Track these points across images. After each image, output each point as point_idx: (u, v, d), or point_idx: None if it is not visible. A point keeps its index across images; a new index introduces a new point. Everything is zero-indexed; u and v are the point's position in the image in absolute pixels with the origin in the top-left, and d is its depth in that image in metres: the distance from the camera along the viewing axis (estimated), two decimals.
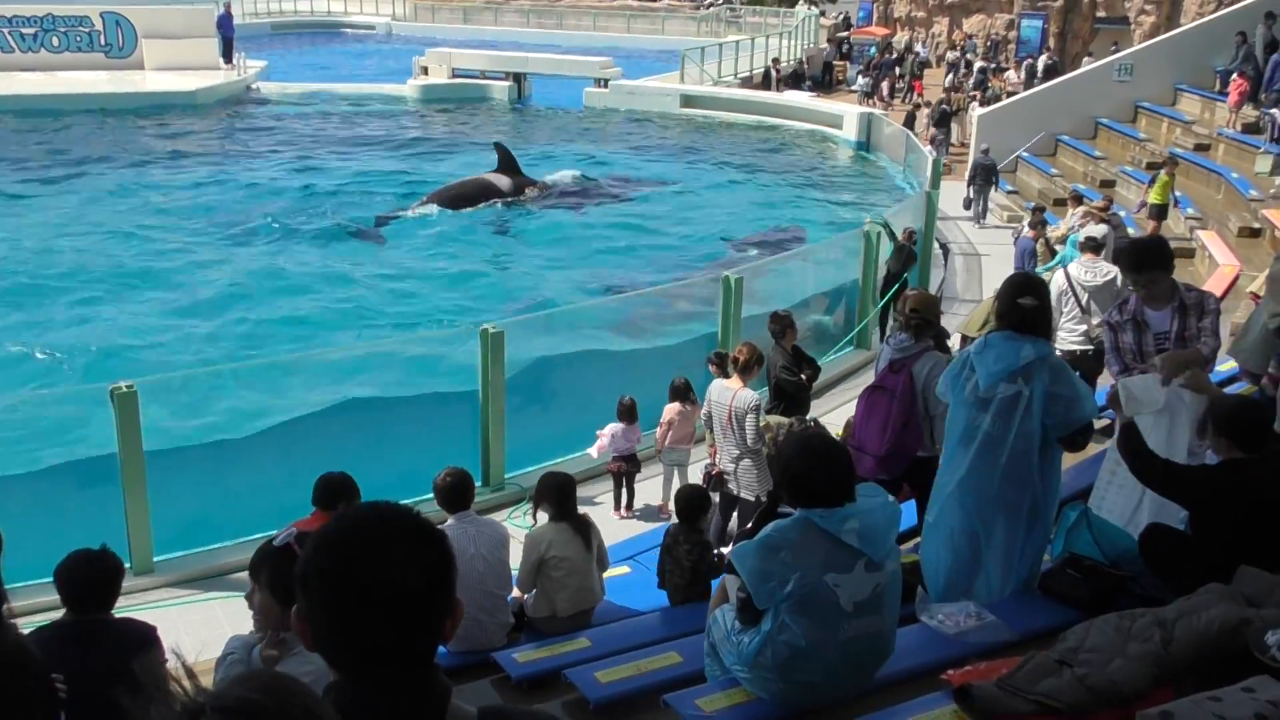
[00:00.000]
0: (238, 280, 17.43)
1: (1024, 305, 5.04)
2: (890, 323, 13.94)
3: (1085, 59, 34.98)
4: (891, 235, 15.36)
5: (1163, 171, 18.32)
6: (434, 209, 21.45)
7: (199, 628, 7.52)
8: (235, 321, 15.72)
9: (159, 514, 8.75)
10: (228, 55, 36.78)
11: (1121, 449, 5.04)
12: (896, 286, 14.28)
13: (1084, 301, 9.57)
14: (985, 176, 21.76)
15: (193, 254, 18.89)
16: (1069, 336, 9.56)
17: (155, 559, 8.75)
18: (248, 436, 11.07)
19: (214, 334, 15.20)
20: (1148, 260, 6.06)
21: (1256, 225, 17.11)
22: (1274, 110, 19.79)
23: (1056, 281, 9.79)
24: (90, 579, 4.56)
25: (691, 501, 6.65)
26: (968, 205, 21.79)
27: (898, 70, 37.76)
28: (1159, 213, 17.90)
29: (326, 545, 1.78)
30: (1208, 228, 17.60)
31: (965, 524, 5.11)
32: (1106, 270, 9.74)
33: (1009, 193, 22.94)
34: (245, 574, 4.52)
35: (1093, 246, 10.15)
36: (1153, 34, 32.98)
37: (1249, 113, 21.08)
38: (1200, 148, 21.36)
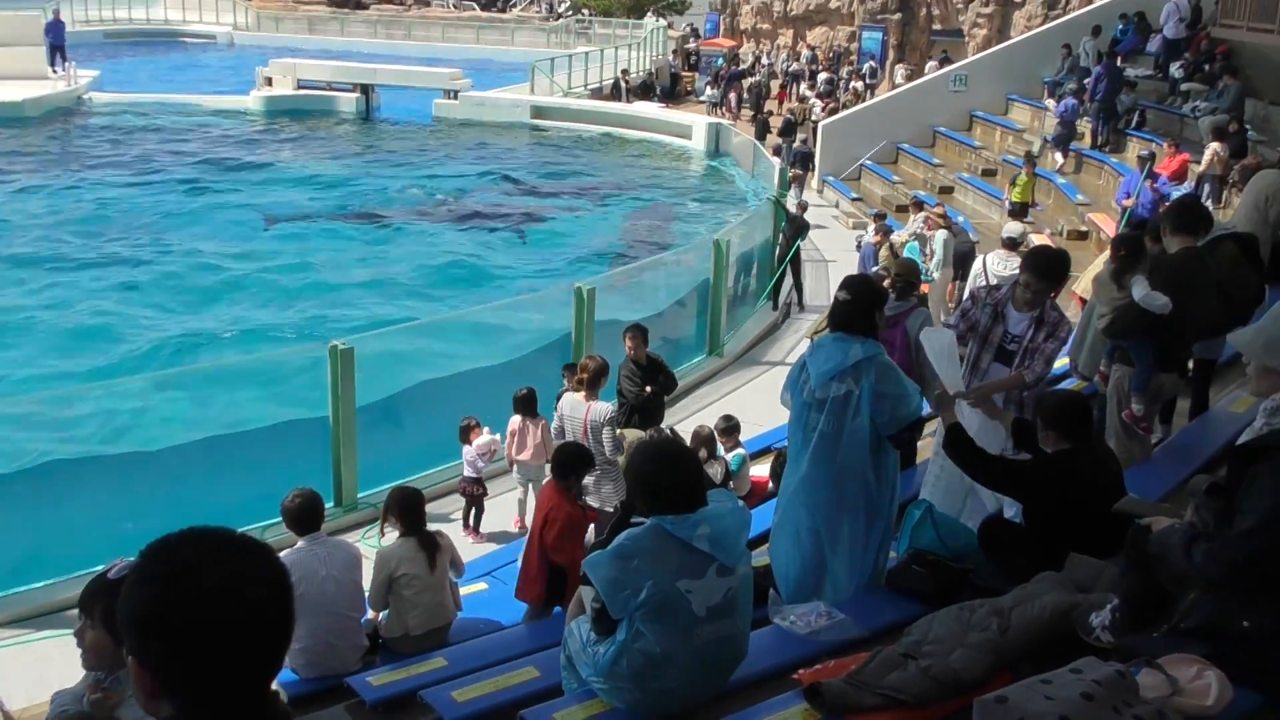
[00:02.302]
0: (71, 298, 16.71)
1: (837, 298, 5.21)
2: (787, 289, 16.97)
3: (898, 67, 36.33)
4: (784, 209, 17.30)
5: (1022, 172, 19.04)
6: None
7: (31, 669, 7.16)
8: (67, 341, 15.08)
9: None
10: (56, 63, 35.13)
11: (952, 455, 5.21)
12: (791, 254, 16.78)
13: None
14: (803, 164, 24.36)
15: (14, 271, 18.04)
16: None
17: None
18: (78, 462, 10.57)
19: (41, 355, 14.55)
20: (1058, 273, 6.25)
21: (1084, 228, 17.98)
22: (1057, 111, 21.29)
23: (974, 268, 11.23)
24: None
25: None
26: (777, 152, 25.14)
27: (746, 82, 38.43)
28: (1020, 210, 18.64)
29: (164, 578, 1.68)
30: (1041, 231, 18.38)
31: (809, 523, 5.23)
32: (1018, 263, 10.39)
33: (853, 200, 23.58)
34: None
35: (1009, 243, 11.40)
36: (985, 46, 34.31)
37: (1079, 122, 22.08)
38: (1030, 157, 22.24)
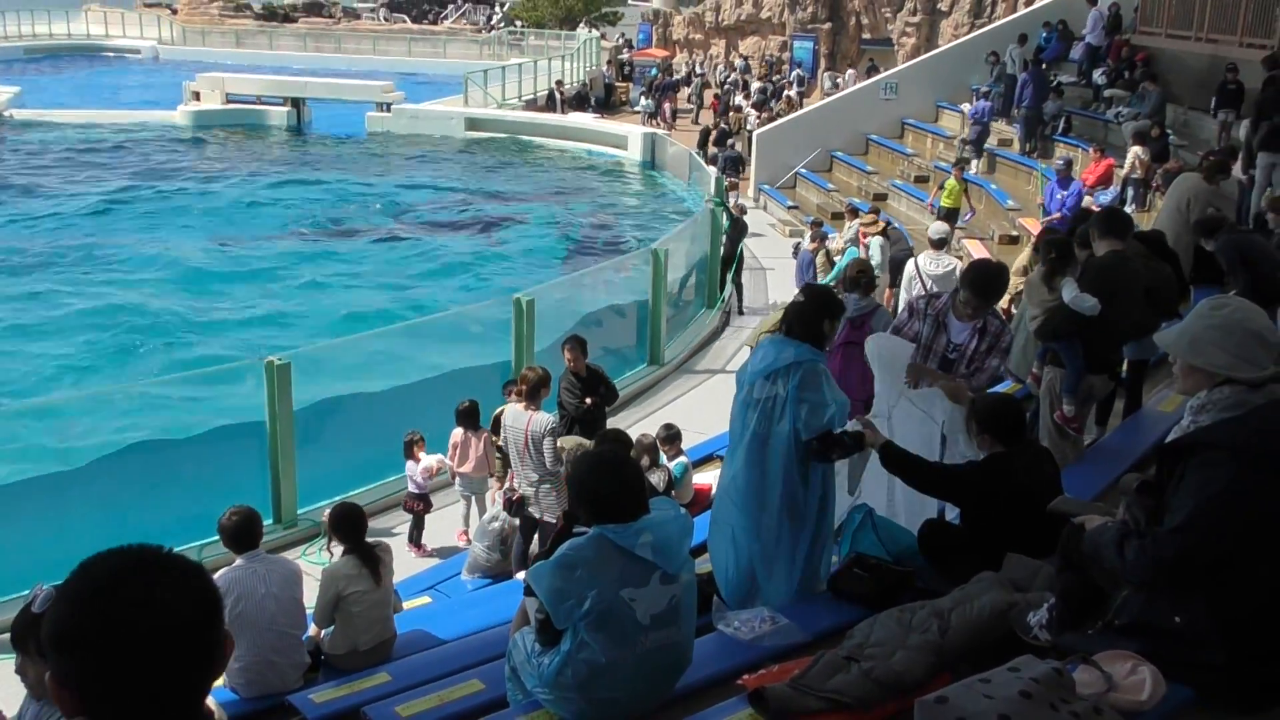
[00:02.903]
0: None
1: (793, 300, 5.30)
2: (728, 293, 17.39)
3: (825, 75, 36.79)
4: (727, 210, 17.93)
5: (951, 177, 19.31)
6: None
7: None
8: None
9: None
10: None
11: (888, 467, 5.26)
12: (738, 256, 17.72)
13: (929, 287, 10.52)
14: (735, 169, 25.18)
15: None
16: None
17: None
18: (4, 486, 10.33)
19: None
20: (995, 291, 6.32)
21: (1015, 233, 18.28)
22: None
23: (907, 270, 11.59)
24: None
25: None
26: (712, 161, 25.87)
27: (683, 91, 38.63)
28: (950, 215, 18.87)
29: (88, 595, 1.67)
30: (972, 236, 18.67)
31: (741, 522, 5.27)
32: (948, 262, 11.40)
33: (789, 208, 23.77)
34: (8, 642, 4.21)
35: (937, 243, 11.86)
36: (914, 55, 34.82)
37: (1004, 128, 22.51)
38: (962, 162, 22.62)
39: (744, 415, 5.25)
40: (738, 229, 17.94)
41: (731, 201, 19.51)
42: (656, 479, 8.95)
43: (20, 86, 36.94)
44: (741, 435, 5.24)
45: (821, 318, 5.28)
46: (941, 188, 19.42)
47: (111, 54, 54.33)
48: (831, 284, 12.96)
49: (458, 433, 9.58)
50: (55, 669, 1.67)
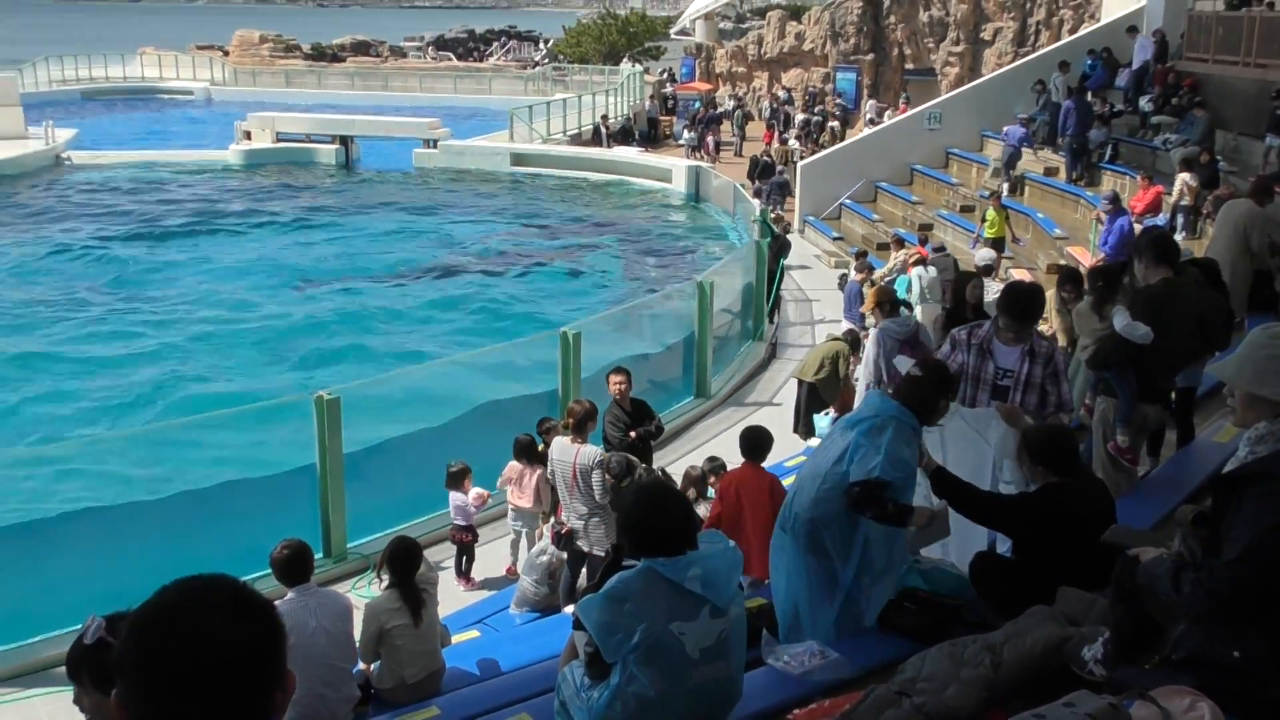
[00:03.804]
0: (53, 352, 16.70)
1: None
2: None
3: (869, 103, 36.70)
4: (769, 225, 18.36)
5: (989, 208, 19.23)
6: None
7: None
8: (50, 397, 15.04)
9: None
10: None
11: (941, 493, 5.22)
12: (780, 272, 18.02)
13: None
14: (781, 193, 25.86)
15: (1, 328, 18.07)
16: None
17: None
18: (61, 519, 10.49)
19: (28, 409, 14.51)
20: (1033, 312, 6.28)
21: (1063, 262, 18.11)
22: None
23: None
24: None
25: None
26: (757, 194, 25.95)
27: (727, 124, 38.76)
28: (996, 245, 18.78)
29: (141, 623, 1.72)
30: (1020, 265, 18.54)
31: (795, 555, 5.24)
32: (996, 289, 11.24)
33: (834, 239, 23.74)
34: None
35: (984, 270, 12.21)
36: (958, 84, 34.75)
37: (1051, 156, 22.39)
38: (995, 196, 22.50)
39: (821, 453, 5.26)
40: (779, 244, 18.14)
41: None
42: (704, 511, 8.92)
43: (78, 129, 37.76)
44: (812, 470, 5.24)
45: (938, 395, 5.23)
46: (984, 219, 19.33)
47: (165, 96, 55.41)
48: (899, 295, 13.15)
49: (514, 466, 9.59)
50: (118, 690, 1.73)
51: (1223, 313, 7.13)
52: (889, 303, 11.02)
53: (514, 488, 9.57)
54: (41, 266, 22.51)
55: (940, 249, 16.63)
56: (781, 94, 42.49)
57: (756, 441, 7.86)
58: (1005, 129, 22.84)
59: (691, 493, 9.01)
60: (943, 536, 5.28)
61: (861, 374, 12.34)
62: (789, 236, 19.09)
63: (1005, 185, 21.86)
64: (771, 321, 17.75)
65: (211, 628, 1.71)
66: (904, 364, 6.21)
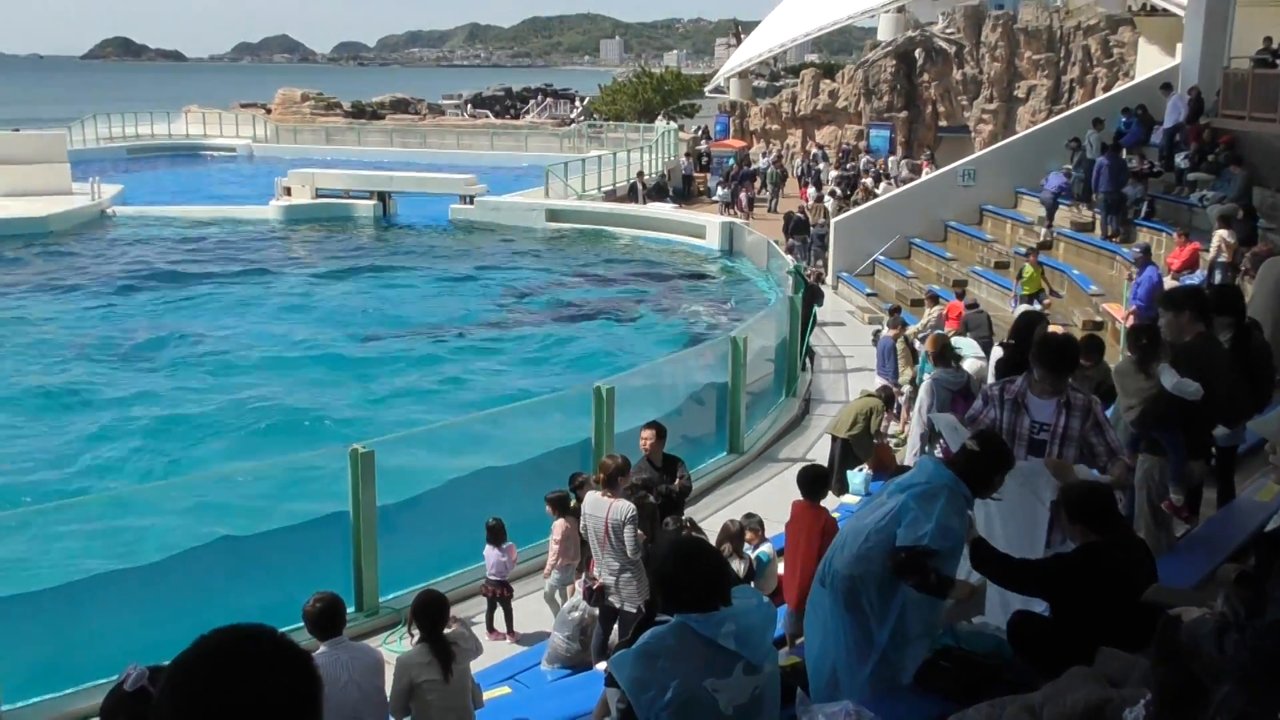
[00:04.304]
0: (93, 401, 16.94)
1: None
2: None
3: (903, 162, 36.78)
4: (801, 276, 18.88)
5: (1026, 264, 19.19)
6: None
7: None
8: (89, 443, 15.24)
9: (5, 659, 8.27)
10: None
11: (978, 567, 5.16)
12: (812, 324, 18.58)
13: None
14: (821, 245, 26.79)
15: (49, 380, 18.34)
16: None
17: (3, 708, 8.24)
18: (95, 575, 10.55)
19: (64, 462, 14.70)
20: (1067, 364, 6.21)
21: (1099, 319, 18.02)
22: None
23: (995, 354, 11.33)
24: None
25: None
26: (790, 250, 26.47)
27: (760, 181, 38.98)
28: (1034, 301, 18.72)
29: (181, 671, 1.74)
30: (1055, 322, 18.41)
31: (834, 612, 5.18)
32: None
33: (868, 295, 23.73)
34: None
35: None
36: (991, 141, 34.85)
37: (1084, 213, 22.35)
38: (1042, 246, 22.46)
39: (867, 512, 5.23)
40: (811, 294, 18.57)
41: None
42: (738, 567, 8.88)
43: (123, 184, 38.54)
44: (855, 528, 5.19)
45: (993, 471, 5.19)
46: (1020, 276, 19.29)
47: (209, 153, 56.55)
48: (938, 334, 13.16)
49: (559, 524, 9.50)
50: None
51: (1266, 366, 7.08)
52: (944, 353, 11.04)
53: (561, 547, 9.53)
54: (84, 317, 22.91)
55: (974, 305, 16.57)
56: (814, 151, 42.73)
57: (814, 480, 7.98)
58: (1044, 179, 22.85)
59: (727, 548, 8.96)
60: (977, 613, 5.25)
61: (914, 424, 12.30)
62: (821, 286, 19.35)
63: (1045, 234, 21.85)
64: (805, 370, 17.92)
65: (251, 677, 1.72)
66: (941, 420, 6.18)
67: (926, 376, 12.23)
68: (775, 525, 10.31)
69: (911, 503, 4.97)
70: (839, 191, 32.94)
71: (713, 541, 8.54)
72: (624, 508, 8.32)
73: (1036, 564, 5.23)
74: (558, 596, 9.62)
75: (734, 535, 9.22)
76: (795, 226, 28.50)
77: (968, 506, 5.10)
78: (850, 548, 5.11)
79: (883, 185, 33.60)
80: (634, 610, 8.28)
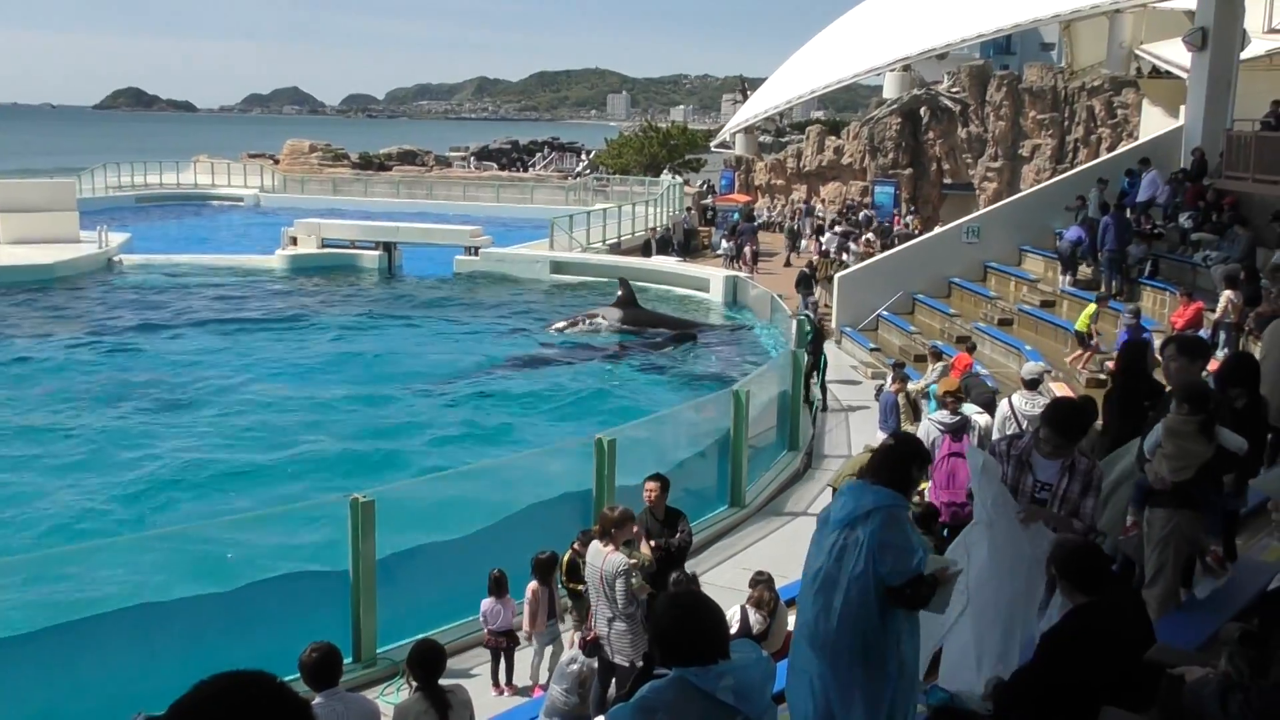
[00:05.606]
0: (95, 448, 16.95)
1: (874, 447, 5.31)
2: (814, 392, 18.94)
3: (908, 218, 36.97)
4: (810, 319, 20.51)
5: (1093, 302, 19.21)
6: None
7: None
8: (87, 493, 15.18)
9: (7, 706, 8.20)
10: None
11: (1011, 705, 5.07)
12: (823, 362, 19.75)
13: (1024, 427, 10.63)
14: (806, 285, 27.37)
15: (51, 426, 18.34)
16: None
17: None
18: (94, 620, 10.46)
19: (65, 508, 14.64)
20: (1079, 429, 6.22)
21: (1102, 376, 17.99)
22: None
23: (1000, 409, 11.72)
24: None
25: None
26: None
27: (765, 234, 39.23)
28: (1081, 340, 18.73)
29: (179, 717, 1.72)
30: (1056, 379, 18.40)
31: (818, 668, 5.10)
32: (1043, 402, 11.14)
33: (871, 350, 23.75)
34: None
35: (1030, 383, 12.15)
36: (996, 199, 35.04)
37: (1085, 271, 22.42)
38: (1045, 304, 22.56)
39: (815, 557, 5.16)
40: (819, 336, 19.91)
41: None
42: (755, 620, 8.82)
43: (130, 233, 38.76)
44: (813, 578, 5.13)
45: (909, 464, 5.22)
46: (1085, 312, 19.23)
47: (216, 202, 56.99)
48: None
49: (532, 586, 9.52)
50: None
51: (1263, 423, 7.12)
52: (954, 397, 11.48)
53: (530, 612, 9.55)
54: (87, 364, 22.95)
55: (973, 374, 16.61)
56: (802, 205, 43.02)
57: None
58: (1065, 229, 22.98)
59: (752, 594, 8.94)
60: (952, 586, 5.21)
61: None
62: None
63: (1066, 279, 22.09)
64: (823, 409, 18.97)
65: None
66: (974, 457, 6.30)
67: (924, 418, 12.39)
68: (777, 580, 10.23)
69: (885, 537, 4.92)
70: (831, 253, 32.92)
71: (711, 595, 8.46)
72: (617, 560, 8.26)
73: (1034, 656, 5.08)
74: (547, 652, 9.55)
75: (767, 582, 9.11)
76: (799, 280, 28.59)
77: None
78: (831, 603, 5.00)
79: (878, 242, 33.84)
80: (626, 664, 8.20)
